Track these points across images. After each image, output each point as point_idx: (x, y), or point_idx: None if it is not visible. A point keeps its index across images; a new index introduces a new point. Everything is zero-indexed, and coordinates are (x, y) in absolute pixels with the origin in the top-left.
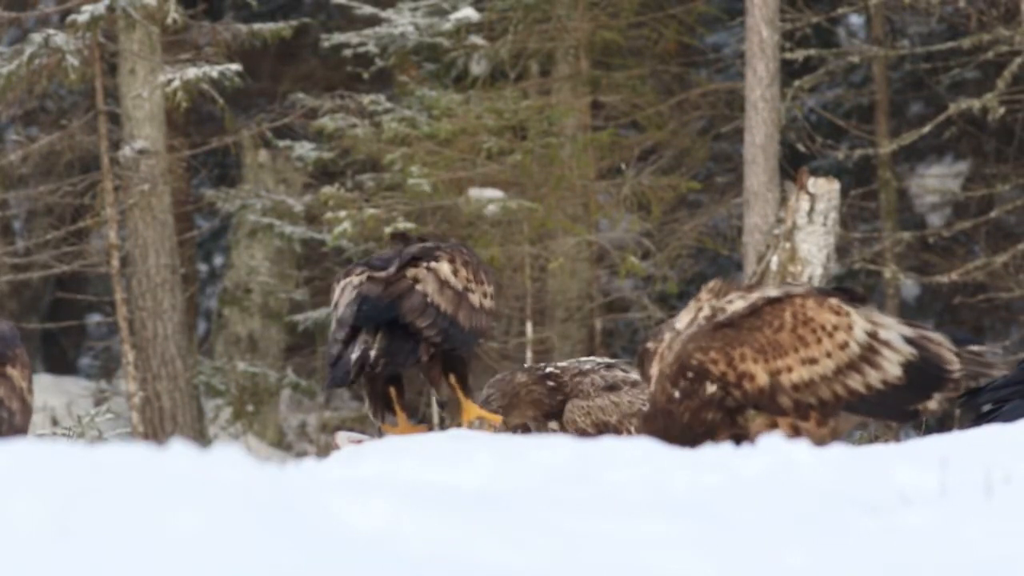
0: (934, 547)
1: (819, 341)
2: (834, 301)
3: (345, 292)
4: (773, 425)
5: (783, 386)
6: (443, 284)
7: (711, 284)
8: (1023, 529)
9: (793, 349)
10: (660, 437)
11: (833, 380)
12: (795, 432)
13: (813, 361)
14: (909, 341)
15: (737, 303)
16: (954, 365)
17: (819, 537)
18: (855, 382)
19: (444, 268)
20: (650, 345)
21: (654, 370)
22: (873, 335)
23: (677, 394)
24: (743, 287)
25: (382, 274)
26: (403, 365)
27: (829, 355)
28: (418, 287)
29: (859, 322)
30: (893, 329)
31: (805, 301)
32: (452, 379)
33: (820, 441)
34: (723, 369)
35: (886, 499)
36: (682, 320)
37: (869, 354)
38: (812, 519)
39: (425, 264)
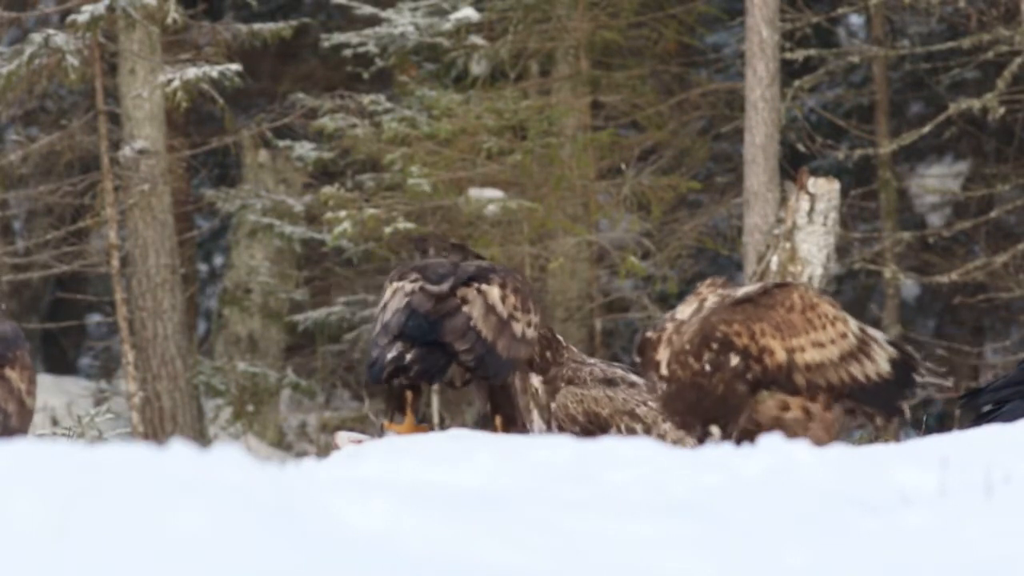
0: (934, 547)
1: (824, 327)
2: (827, 296)
3: (396, 296)
4: (784, 407)
5: (798, 365)
6: (489, 309)
7: (709, 280)
8: (1023, 529)
9: (804, 331)
10: (688, 413)
11: (839, 365)
12: (806, 414)
13: (821, 345)
14: (889, 342)
15: (745, 289)
16: (921, 368)
17: (819, 537)
18: (856, 371)
19: (494, 293)
20: (651, 334)
21: (661, 354)
22: (863, 331)
23: (708, 367)
24: (739, 286)
25: (435, 289)
26: (433, 376)
27: (833, 341)
28: (464, 308)
29: (849, 318)
30: (875, 330)
31: (807, 289)
32: (498, 421)
33: (827, 426)
34: (746, 342)
35: (886, 499)
36: (683, 311)
37: (864, 346)
38: (812, 519)
39: (477, 285)
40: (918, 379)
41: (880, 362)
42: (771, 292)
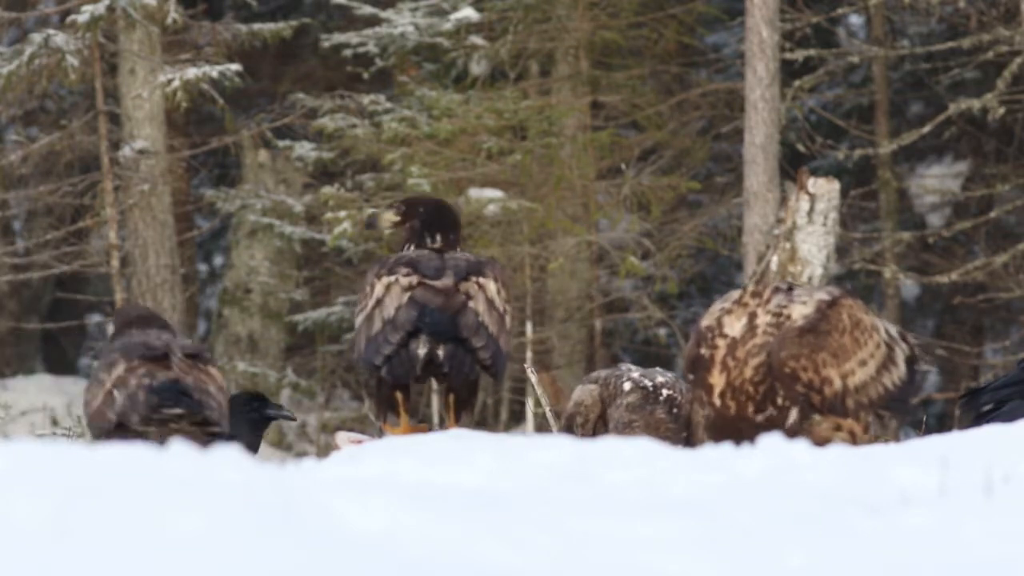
0: (934, 547)
1: (866, 343)
2: (860, 302)
3: (392, 292)
4: (837, 428)
5: (849, 389)
6: (490, 304)
7: (751, 288)
8: (1023, 529)
9: (853, 352)
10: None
11: (876, 380)
12: (852, 437)
13: (865, 363)
14: (901, 336)
15: (798, 307)
16: (923, 364)
17: (819, 537)
18: (887, 380)
19: (491, 287)
20: (704, 351)
21: (715, 378)
22: (887, 332)
23: (771, 410)
24: (782, 287)
25: (438, 284)
26: (463, 376)
27: (872, 356)
28: (470, 304)
29: (878, 322)
30: (890, 325)
31: (852, 303)
32: (451, 399)
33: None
34: (811, 376)
35: (886, 499)
36: (732, 326)
37: (891, 352)
38: (812, 519)
39: (476, 279)
40: (922, 371)
41: (901, 365)
42: (827, 315)
